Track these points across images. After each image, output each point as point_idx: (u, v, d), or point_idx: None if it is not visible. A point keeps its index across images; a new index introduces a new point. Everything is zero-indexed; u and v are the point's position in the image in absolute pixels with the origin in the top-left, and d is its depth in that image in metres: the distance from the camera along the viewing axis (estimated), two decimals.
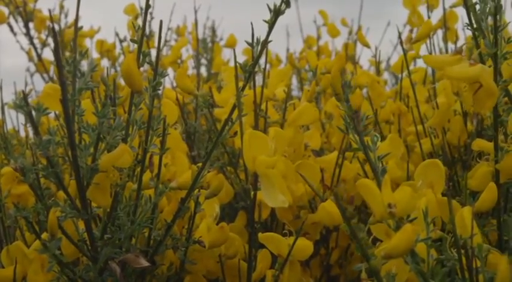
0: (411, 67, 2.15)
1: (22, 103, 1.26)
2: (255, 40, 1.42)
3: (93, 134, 1.34)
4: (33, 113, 1.28)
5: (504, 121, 1.43)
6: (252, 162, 1.31)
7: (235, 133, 1.58)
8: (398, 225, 1.12)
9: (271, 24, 1.40)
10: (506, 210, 1.50)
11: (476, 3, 1.42)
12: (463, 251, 1.09)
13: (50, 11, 1.55)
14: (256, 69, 1.47)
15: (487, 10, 1.39)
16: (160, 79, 1.41)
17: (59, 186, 1.33)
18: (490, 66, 1.39)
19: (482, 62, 1.40)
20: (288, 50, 3.47)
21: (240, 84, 1.46)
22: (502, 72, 1.42)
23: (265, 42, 1.42)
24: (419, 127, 1.86)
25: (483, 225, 1.49)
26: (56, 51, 1.28)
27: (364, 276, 1.07)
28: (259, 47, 1.42)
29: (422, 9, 2.37)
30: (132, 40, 1.42)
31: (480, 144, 1.50)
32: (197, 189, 1.48)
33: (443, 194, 1.31)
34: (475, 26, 1.42)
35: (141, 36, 1.39)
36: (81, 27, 1.50)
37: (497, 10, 1.36)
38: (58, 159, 1.32)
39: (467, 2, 1.43)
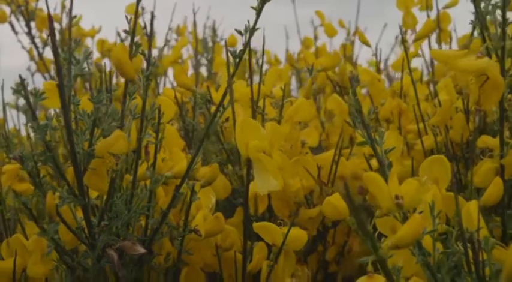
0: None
1: (20, 88, 1.28)
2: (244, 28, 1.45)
3: (89, 120, 1.35)
4: (31, 97, 1.28)
5: (510, 116, 1.43)
6: (245, 148, 1.34)
7: (227, 119, 1.62)
8: (405, 217, 1.11)
9: (259, 11, 1.44)
10: (510, 206, 1.50)
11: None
12: (469, 245, 1.08)
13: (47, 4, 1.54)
14: (254, 69, 1.48)
15: (495, 4, 1.39)
16: (153, 69, 1.42)
17: (56, 171, 1.33)
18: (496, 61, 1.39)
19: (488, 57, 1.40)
20: (287, 50, 3.47)
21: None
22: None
23: (253, 29, 1.45)
24: (420, 125, 1.85)
25: (487, 222, 1.48)
26: (51, 36, 1.29)
27: (370, 269, 1.05)
28: (247, 34, 1.45)
29: (417, 11, 2.38)
30: (124, 31, 1.43)
31: (485, 140, 1.51)
32: (192, 180, 1.49)
33: (448, 190, 1.31)
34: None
35: (134, 26, 1.40)
36: (75, 17, 1.50)
37: (506, 3, 1.37)
38: (55, 144, 1.32)
39: None
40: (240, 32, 1.45)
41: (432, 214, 1.12)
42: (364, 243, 1.01)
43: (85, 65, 1.36)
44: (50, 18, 1.31)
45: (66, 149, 1.37)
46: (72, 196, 1.33)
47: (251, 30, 1.45)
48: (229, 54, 1.47)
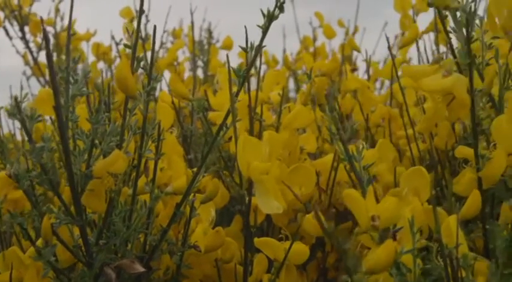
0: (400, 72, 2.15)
1: (15, 111, 1.28)
2: (249, 45, 1.42)
3: (87, 140, 1.34)
4: (26, 120, 1.29)
5: (486, 129, 1.43)
6: (246, 168, 1.32)
7: (230, 138, 1.59)
8: (381, 237, 1.12)
9: (265, 29, 1.40)
10: (493, 215, 1.49)
11: (447, 15, 1.44)
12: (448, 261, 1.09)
13: (41, 18, 1.54)
14: (251, 72, 1.48)
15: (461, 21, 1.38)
16: (155, 84, 1.40)
17: (53, 193, 1.33)
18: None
19: (460, 71, 1.40)
20: (284, 51, 3.46)
21: (234, 89, 1.45)
22: (481, 80, 1.42)
23: (259, 47, 1.42)
24: (410, 131, 1.85)
25: (471, 230, 1.49)
26: (48, 59, 1.28)
27: None
28: (253, 52, 1.42)
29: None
30: (125, 45, 1.42)
31: (463, 151, 1.49)
32: (193, 194, 1.48)
33: (429, 202, 1.31)
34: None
35: (135, 41, 1.39)
36: (74, 34, 1.50)
37: (469, 22, 1.35)
38: (53, 165, 1.33)
39: (441, 14, 1.44)
40: (244, 50, 1.42)
41: (412, 231, 1.12)
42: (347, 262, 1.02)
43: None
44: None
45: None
46: (69, 217, 1.32)
47: (257, 48, 1.42)
48: (232, 71, 1.44)
